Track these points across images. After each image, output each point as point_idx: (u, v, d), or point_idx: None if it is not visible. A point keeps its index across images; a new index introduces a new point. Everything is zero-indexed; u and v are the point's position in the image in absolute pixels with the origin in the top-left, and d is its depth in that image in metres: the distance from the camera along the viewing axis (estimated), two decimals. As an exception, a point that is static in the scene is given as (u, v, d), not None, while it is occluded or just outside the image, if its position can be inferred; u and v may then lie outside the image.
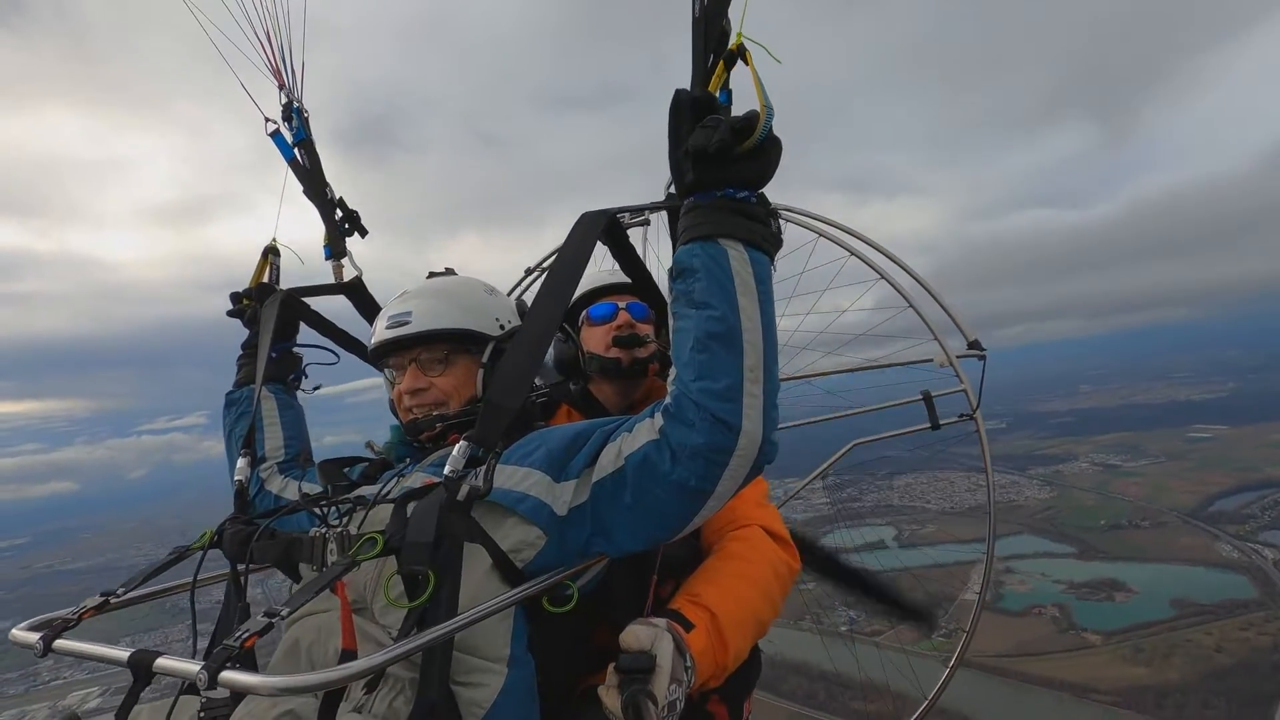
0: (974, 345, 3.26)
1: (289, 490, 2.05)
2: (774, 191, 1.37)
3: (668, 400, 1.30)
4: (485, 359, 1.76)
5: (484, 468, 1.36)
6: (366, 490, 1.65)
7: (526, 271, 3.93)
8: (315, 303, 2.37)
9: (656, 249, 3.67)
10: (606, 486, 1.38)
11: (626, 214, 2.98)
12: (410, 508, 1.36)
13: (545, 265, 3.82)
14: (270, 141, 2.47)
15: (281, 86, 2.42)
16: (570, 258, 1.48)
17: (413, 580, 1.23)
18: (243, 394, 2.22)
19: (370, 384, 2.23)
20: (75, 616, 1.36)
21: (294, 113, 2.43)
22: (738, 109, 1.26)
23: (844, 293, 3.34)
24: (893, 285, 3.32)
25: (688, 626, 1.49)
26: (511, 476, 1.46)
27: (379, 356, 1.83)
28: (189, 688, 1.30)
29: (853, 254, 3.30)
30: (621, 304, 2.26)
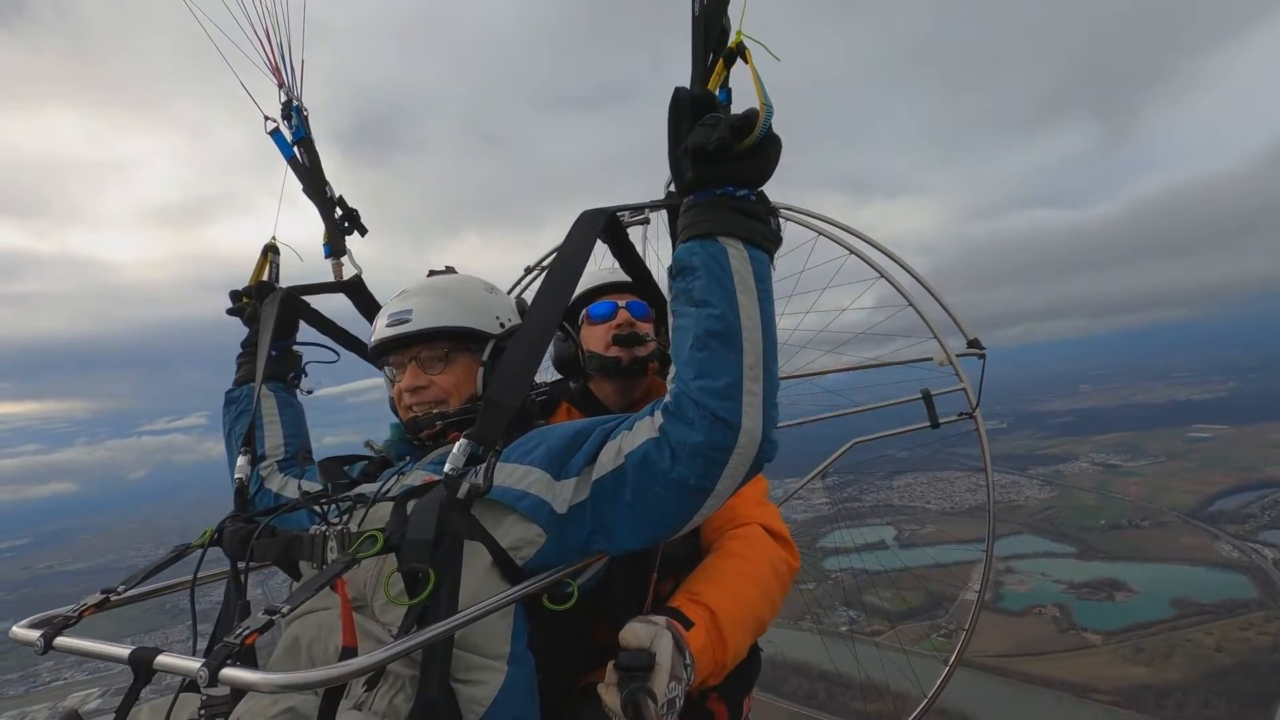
0: (973, 344, 3.26)
1: (289, 488, 2.05)
2: (774, 191, 1.37)
3: (667, 398, 1.31)
4: (485, 357, 1.76)
5: (484, 465, 1.36)
6: (366, 488, 1.66)
7: (526, 270, 3.93)
8: (315, 301, 2.37)
9: (656, 247, 3.68)
10: (606, 484, 1.38)
11: (626, 212, 2.98)
12: (410, 505, 1.36)
13: (545, 264, 3.82)
14: (270, 140, 2.47)
15: (281, 85, 2.42)
16: (570, 256, 1.48)
17: (413, 578, 1.23)
18: (242, 392, 2.22)
19: (370, 384, 2.23)
20: (76, 614, 1.36)
21: (293, 111, 2.43)
22: (737, 107, 1.26)
23: (844, 291, 3.34)
24: (892, 284, 3.31)
25: (687, 624, 1.50)
26: (511, 474, 1.46)
27: (379, 354, 1.83)
28: (189, 685, 1.31)
29: (852, 252, 3.29)
30: (621, 302, 2.26)
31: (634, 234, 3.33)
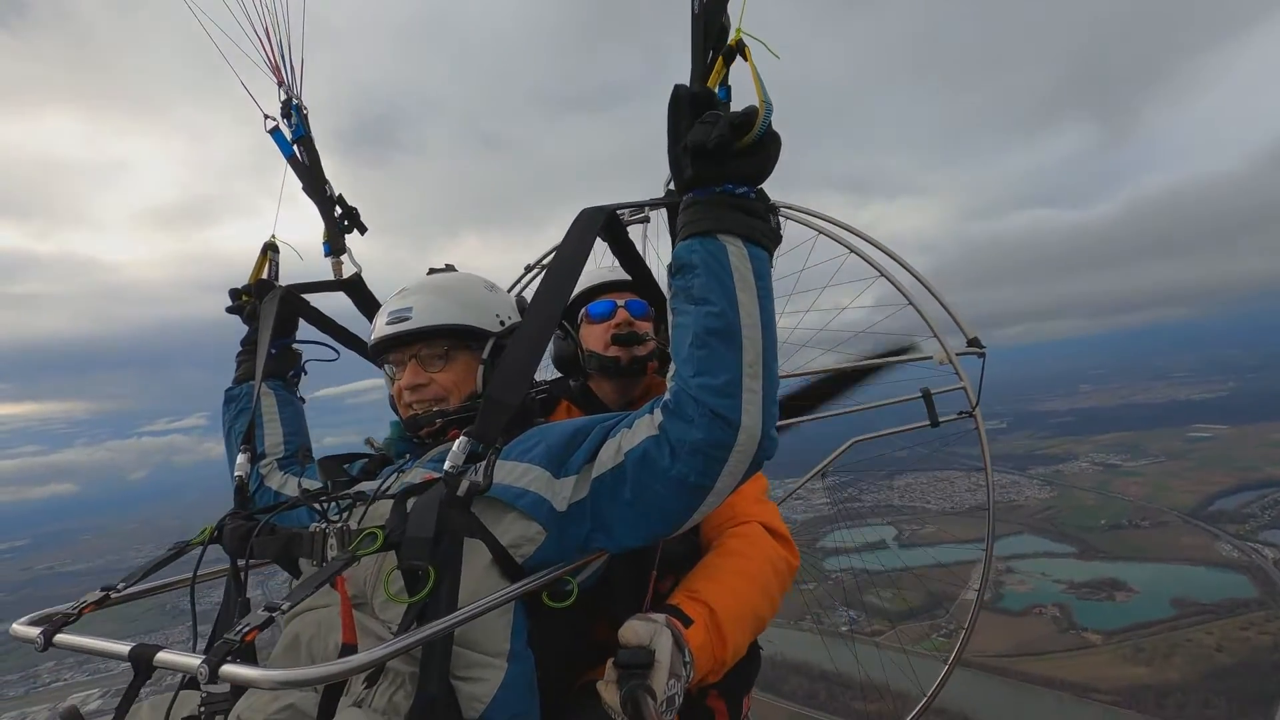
0: (973, 343, 3.26)
1: (289, 486, 2.05)
2: (774, 191, 1.37)
3: (667, 396, 1.31)
4: (485, 355, 1.76)
5: (484, 463, 1.36)
6: (366, 486, 1.66)
7: (526, 268, 3.93)
8: (314, 299, 2.37)
9: (656, 246, 3.67)
10: (606, 482, 1.38)
11: (626, 210, 2.98)
12: (410, 503, 1.36)
13: (545, 262, 3.82)
14: (270, 140, 2.47)
15: (281, 84, 2.42)
16: (569, 254, 1.49)
17: (413, 575, 1.24)
18: (242, 390, 2.22)
19: (370, 385, 2.22)
20: (76, 611, 1.37)
21: (293, 109, 2.43)
22: (737, 105, 1.26)
23: (843, 290, 3.34)
24: (892, 283, 3.31)
25: (686, 622, 1.49)
26: (511, 472, 1.46)
27: (379, 352, 1.83)
28: (190, 682, 1.31)
29: (852, 251, 3.29)
30: (620, 301, 2.26)
31: (634, 232, 3.33)
